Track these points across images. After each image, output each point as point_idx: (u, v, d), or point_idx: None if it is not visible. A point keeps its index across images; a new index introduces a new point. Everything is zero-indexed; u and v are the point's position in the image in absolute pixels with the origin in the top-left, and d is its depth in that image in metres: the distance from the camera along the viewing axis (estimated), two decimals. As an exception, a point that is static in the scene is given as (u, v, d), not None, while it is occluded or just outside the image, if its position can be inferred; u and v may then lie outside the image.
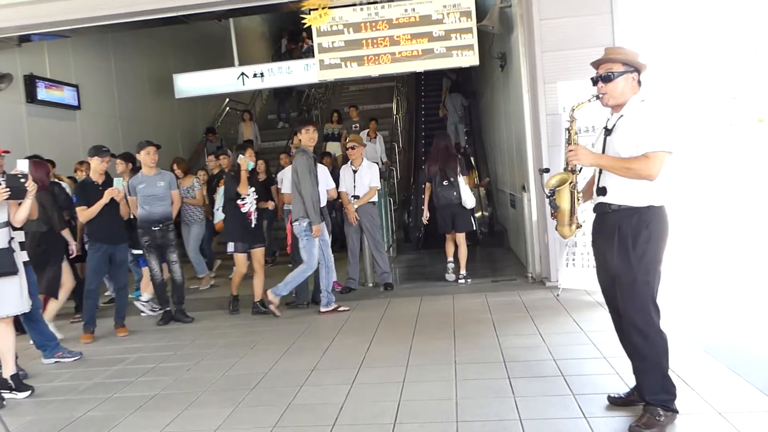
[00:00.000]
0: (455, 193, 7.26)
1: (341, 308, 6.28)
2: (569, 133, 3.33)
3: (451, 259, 7.49)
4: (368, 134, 11.13)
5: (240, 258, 6.47)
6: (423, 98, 16.60)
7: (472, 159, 12.67)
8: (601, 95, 3.25)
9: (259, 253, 6.49)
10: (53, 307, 6.07)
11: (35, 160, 5.68)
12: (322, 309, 6.25)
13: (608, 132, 3.25)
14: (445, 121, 13.80)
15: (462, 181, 7.32)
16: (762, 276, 6.22)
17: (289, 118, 15.27)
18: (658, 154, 3.03)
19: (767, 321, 4.82)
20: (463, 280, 7.24)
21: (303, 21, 7.33)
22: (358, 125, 11.88)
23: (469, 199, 7.34)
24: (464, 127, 13.87)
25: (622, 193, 3.15)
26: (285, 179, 6.86)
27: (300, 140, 6.25)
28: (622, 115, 3.21)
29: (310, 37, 7.55)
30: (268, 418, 3.66)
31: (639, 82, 3.25)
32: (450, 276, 7.39)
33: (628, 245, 3.11)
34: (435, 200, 7.40)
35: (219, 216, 7.20)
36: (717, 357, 4.02)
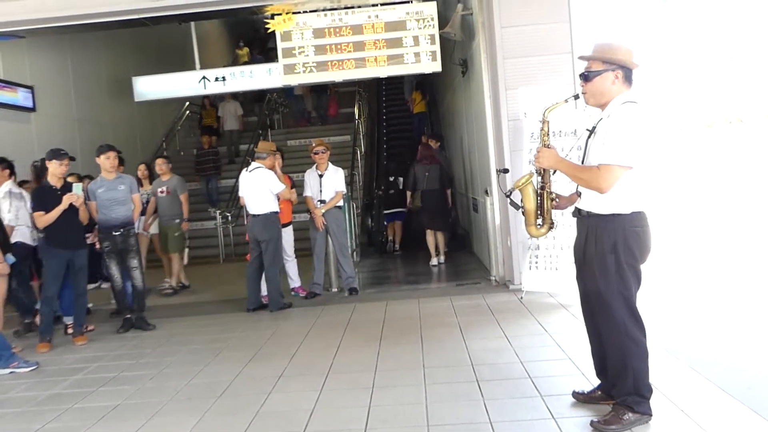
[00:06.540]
0: None
1: None
2: (541, 134, 3.32)
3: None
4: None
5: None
6: (384, 103, 16.69)
7: None
8: (582, 94, 3.22)
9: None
10: None
11: None
12: None
13: (591, 133, 3.20)
14: (403, 87, 15.33)
15: None
16: (727, 278, 6.40)
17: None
18: (611, 167, 2.99)
19: (728, 322, 4.97)
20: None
21: (266, 26, 7.30)
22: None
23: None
24: None
25: (591, 199, 3.16)
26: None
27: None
28: (602, 118, 3.15)
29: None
30: (237, 426, 3.61)
31: (627, 81, 3.11)
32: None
33: (594, 252, 3.13)
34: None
35: None
36: (678, 356, 4.13)
